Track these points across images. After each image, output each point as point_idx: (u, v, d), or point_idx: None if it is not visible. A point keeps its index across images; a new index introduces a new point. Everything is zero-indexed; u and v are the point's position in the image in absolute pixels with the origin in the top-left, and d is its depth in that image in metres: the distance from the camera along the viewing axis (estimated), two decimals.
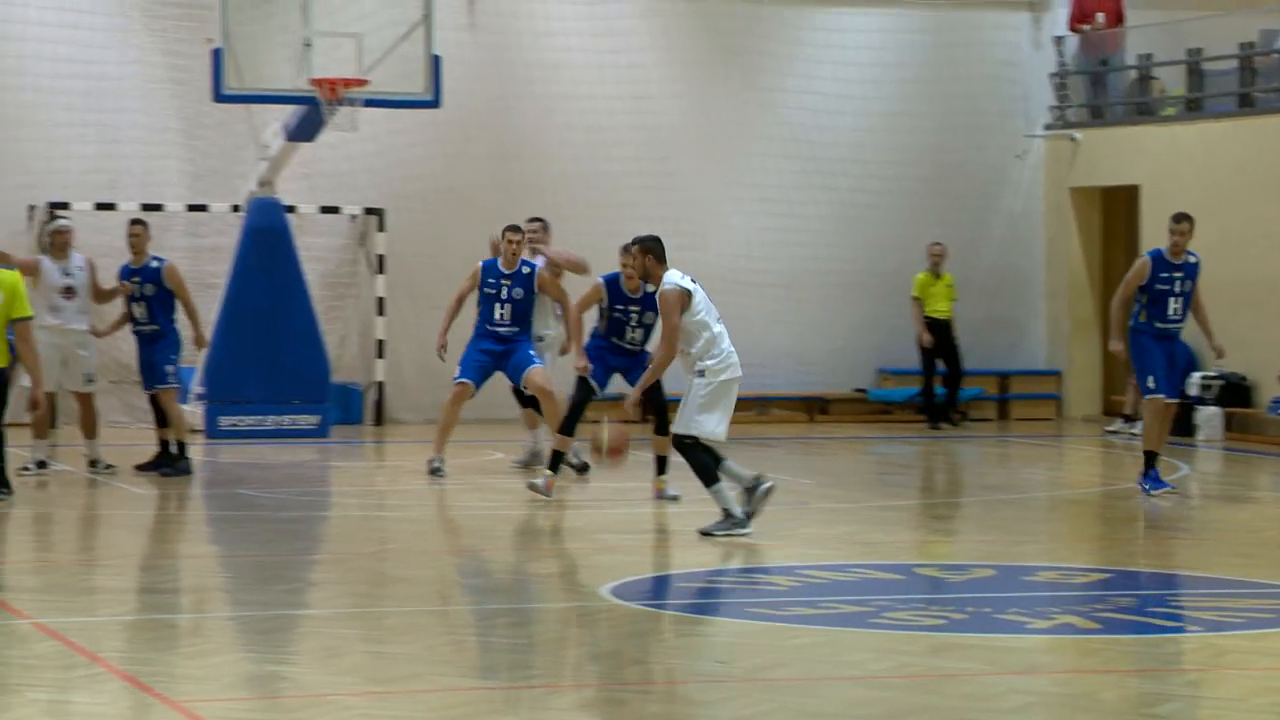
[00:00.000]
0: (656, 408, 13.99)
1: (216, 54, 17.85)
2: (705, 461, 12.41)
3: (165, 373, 15.82)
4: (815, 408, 23.01)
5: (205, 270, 20.64)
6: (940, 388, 22.08)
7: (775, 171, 23.17)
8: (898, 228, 23.26)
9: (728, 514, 12.41)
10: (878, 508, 15.02)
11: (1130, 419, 20.22)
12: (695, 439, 12.37)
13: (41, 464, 15.89)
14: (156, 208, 21.13)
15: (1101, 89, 23.62)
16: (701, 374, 12.43)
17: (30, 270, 15.48)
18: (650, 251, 12.64)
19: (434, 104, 18.52)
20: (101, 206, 20.71)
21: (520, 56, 22.42)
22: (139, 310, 16.03)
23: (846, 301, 23.30)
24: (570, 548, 12.49)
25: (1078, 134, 23.25)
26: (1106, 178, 23.16)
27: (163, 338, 15.99)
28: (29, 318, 9.92)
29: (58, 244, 16.06)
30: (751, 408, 21.88)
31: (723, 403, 12.45)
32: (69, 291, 15.88)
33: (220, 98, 18.18)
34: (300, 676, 8.50)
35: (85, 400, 16.06)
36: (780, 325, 22.96)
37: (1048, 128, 23.61)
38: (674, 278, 12.44)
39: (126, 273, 16.14)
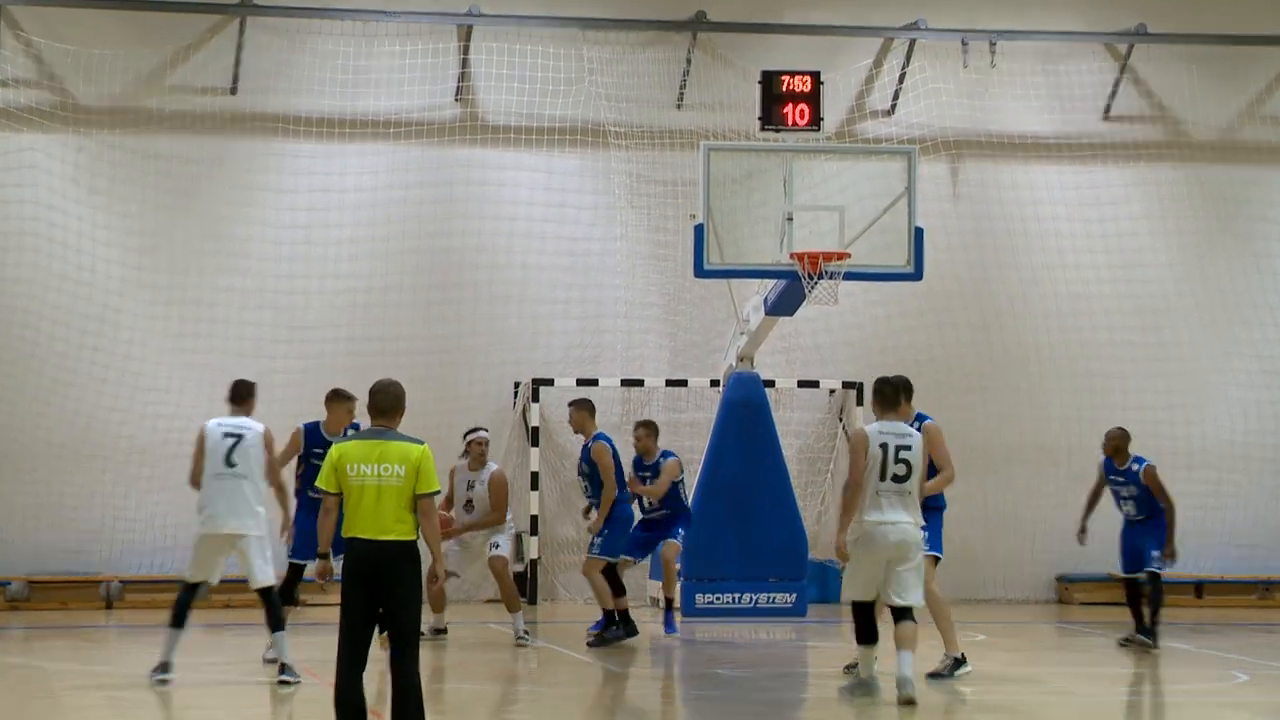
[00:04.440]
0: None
1: (698, 230, 17.95)
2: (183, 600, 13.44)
3: (592, 542, 16.07)
4: None
5: (683, 445, 20.77)
6: None
7: (1277, 341, 22.34)
8: None
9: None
10: None
11: None
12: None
13: (439, 631, 16.26)
14: (637, 383, 21.56)
15: None
16: None
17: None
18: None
19: (916, 276, 18.26)
20: (583, 382, 21.16)
21: (1004, 225, 22.36)
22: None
23: None
24: None
25: None
26: None
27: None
28: (434, 493, 10.13)
29: (473, 453, 16.19)
30: (1253, 590, 21.00)
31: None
32: (469, 505, 16.16)
33: (701, 273, 18.26)
34: None
35: (492, 568, 16.12)
36: None
37: None
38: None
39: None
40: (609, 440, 16.13)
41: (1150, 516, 16.43)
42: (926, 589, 13.17)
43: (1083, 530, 16.74)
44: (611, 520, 16.09)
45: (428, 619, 16.05)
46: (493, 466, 16.33)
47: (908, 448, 12.44)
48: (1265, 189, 22.67)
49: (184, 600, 13.44)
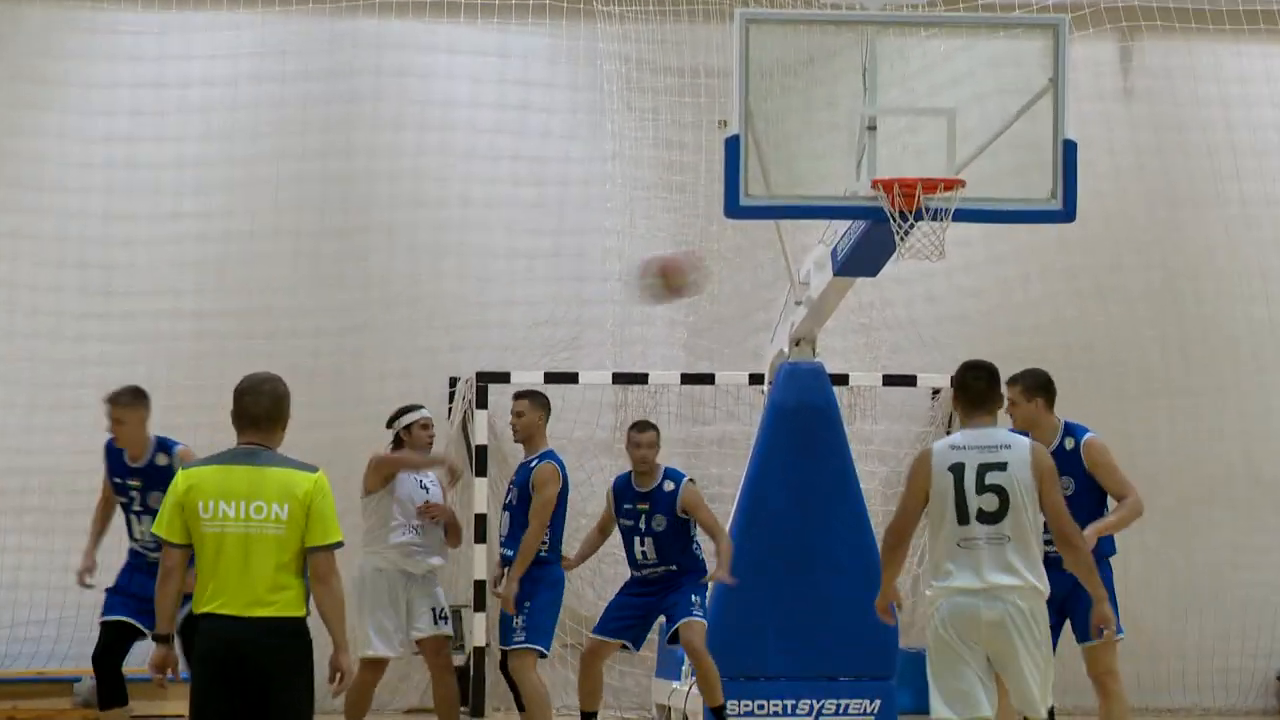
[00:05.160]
0: None
1: (732, 145, 17.90)
2: None
3: (512, 625, 16.07)
4: None
5: (708, 472, 20.97)
6: None
7: None
8: None
9: None
10: None
11: None
12: None
13: None
14: (638, 378, 21.74)
15: None
16: None
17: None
18: None
19: (1065, 216, 18.06)
20: (555, 377, 21.23)
21: (1201, 139, 22.53)
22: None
23: None
24: None
25: None
26: None
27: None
28: (334, 544, 10.17)
29: (418, 443, 16.23)
30: None
31: None
32: (424, 512, 16.20)
33: (736, 210, 18.04)
34: None
35: (437, 658, 16.13)
36: None
37: None
38: None
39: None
40: (561, 464, 16.24)
41: None
42: (1111, 679, 13.16)
43: None
44: (537, 588, 16.09)
45: None
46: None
47: (999, 466, 11.87)
48: None
49: None
